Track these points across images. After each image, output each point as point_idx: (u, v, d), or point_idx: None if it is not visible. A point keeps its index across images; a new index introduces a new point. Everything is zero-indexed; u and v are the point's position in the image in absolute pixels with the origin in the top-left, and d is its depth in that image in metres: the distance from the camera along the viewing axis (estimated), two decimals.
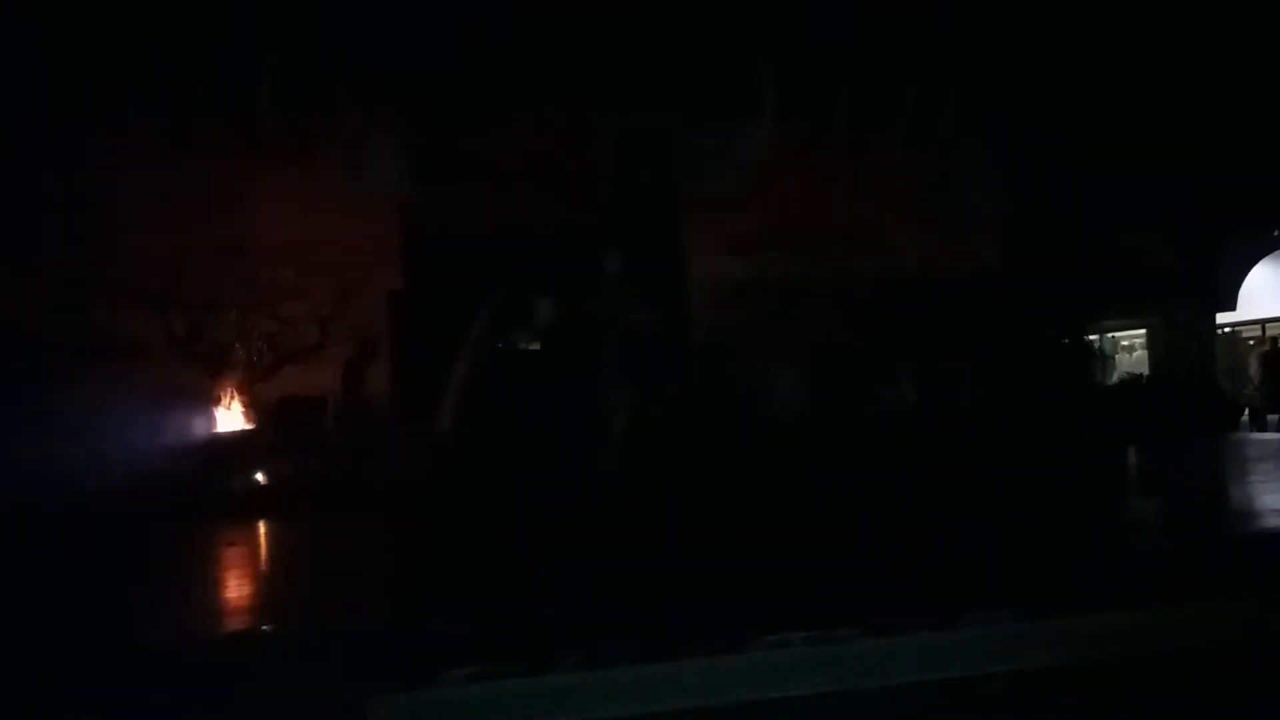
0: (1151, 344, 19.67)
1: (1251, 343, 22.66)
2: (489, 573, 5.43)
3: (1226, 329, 21.46)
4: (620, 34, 10.85)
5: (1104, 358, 17.04)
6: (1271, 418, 16.61)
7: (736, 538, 6.01)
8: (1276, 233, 20.01)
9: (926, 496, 7.52)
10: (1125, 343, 20.84)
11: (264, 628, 4.74)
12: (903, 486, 7.81)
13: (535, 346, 12.43)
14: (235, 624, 4.80)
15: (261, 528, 8.89)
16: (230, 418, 10.98)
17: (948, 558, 5.01)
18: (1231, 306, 20.23)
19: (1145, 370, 18.28)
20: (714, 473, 8.22)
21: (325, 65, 10.92)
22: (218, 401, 10.94)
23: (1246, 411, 16.90)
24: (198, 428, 10.73)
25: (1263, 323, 22.30)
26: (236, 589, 6.06)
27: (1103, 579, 4.51)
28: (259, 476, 10.39)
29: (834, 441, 9.27)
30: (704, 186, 11.96)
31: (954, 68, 12.44)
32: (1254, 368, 18.04)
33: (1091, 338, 16.16)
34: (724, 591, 4.54)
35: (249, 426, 10.97)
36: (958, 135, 12.81)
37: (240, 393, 10.99)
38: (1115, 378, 17.03)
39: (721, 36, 11.14)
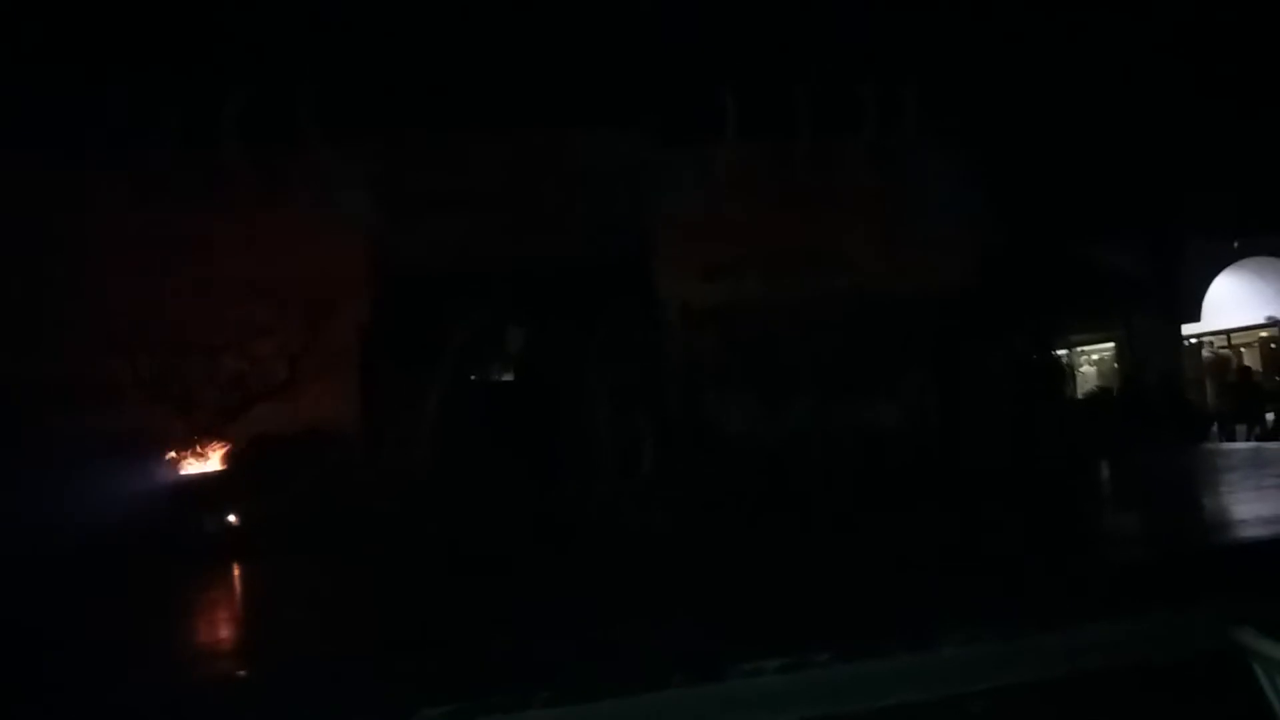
0: (1119, 357, 19.88)
1: (1218, 353, 22.97)
2: (462, 608, 5.40)
3: (1192, 340, 21.74)
4: (585, 58, 10.91)
5: (1072, 371, 17.20)
6: (1239, 427, 16.82)
7: (709, 563, 6.00)
8: (1237, 244, 20.34)
9: (899, 516, 7.53)
10: (1093, 356, 21.06)
11: (235, 670, 4.69)
12: (875, 506, 7.83)
13: (508, 376, 12.42)
14: (206, 665, 4.73)
15: (234, 568, 8.82)
16: (201, 459, 10.84)
17: (922, 577, 5.01)
18: (1196, 317, 20.49)
19: (1113, 383, 18.46)
20: (688, 498, 8.21)
21: (289, 98, 10.87)
22: (188, 443, 10.80)
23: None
24: (168, 470, 10.60)
25: (1228, 333, 22.62)
26: (208, 630, 5.99)
27: (1078, 593, 4.52)
28: (231, 517, 10.27)
29: (805, 463, 9.29)
30: (674, 210, 12.00)
31: (915, 83, 12.56)
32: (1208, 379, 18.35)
33: (1059, 351, 16.32)
34: (698, 619, 4.51)
35: (220, 467, 10.84)
36: (921, 151, 12.91)
37: (211, 433, 10.86)
38: (1083, 391, 17.22)
39: (685, 60, 11.21)
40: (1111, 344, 20.31)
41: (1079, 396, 16.70)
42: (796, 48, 11.61)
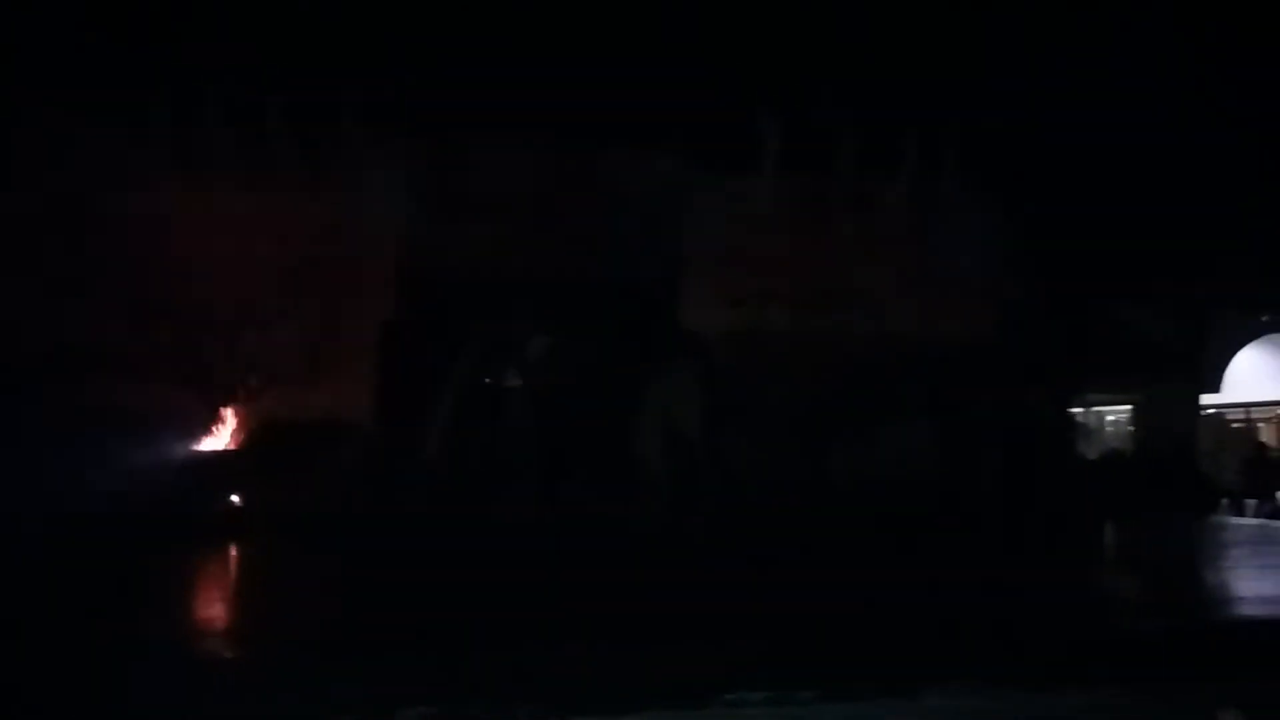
0: (1136, 421, 19.77)
1: (1234, 426, 22.82)
2: (458, 614, 5.39)
3: (1210, 410, 21.61)
4: (629, 82, 11.03)
5: (1088, 431, 17.12)
6: (1250, 502, 16.67)
7: (705, 595, 6.02)
8: (1265, 318, 20.21)
9: (898, 562, 7.54)
10: (1110, 417, 20.94)
11: (219, 653, 4.70)
12: (875, 551, 7.85)
13: (524, 383, 12.50)
14: (191, 648, 4.75)
15: (232, 551, 8.85)
16: (213, 438, 10.94)
17: (913, 626, 5.03)
18: (1216, 388, 20.36)
19: (1128, 446, 18.35)
20: (693, 526, 8.25)
21: (338, 93, 11.03)
22: (201, 421, 10.90)
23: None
24: (179, 446, 10.69)
25: (1246, 406, 22.47)
26: (199, 612, 6.02)
27: (1065, 658, 4.53)
28: (235, 499, 10.37)
29: (809, 501, 9.31)
30: (703, 237, 12.08)
31: (955, 134, 12.62)
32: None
33: (1076, 410, 16.26)
34: (689, 649, 4.53)
35: (231, 447, 10.93)
36: (956, 201, 12.96)
37: (225, 413, 10.96)
38: (1098, 452, 17.12)
39: (727, 91, 11.32)
40: (1130, 407, 20.21)
41: (1093, 457, 16.60)
42: (838, 86, 11.70)
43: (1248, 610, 6.05)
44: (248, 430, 10.89)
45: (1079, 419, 16.48)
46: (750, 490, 9.27)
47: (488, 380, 11.87)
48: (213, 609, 6.23)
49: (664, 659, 4.32)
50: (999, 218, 13.05)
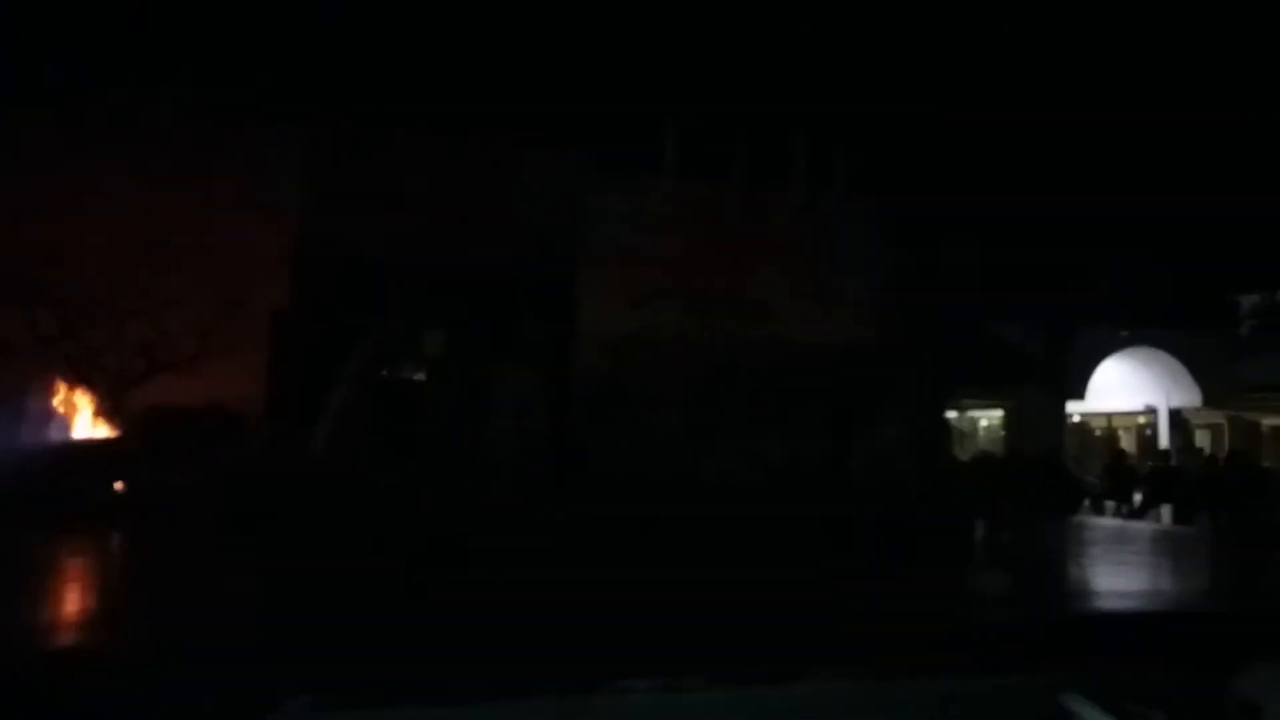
0: (1006, 425, 20.77)
1: (1097, 432, 24.15)
2: (343, 601, 5.37)
3: (1075, 417, 22.82)
4: (535, 79, 11.13)
5: (961, 434, 17.89)
6: (1109, 503, 17.67)
7: (596, 585, 6.13)
8: (1125, 333, 21.45)
9: (779, 556, 7.80)
10: (983, 422, 21.94)
11: (101, 645, 4.59)
12: (758, 545, 8.10)
13: (417, 377, 12.45)
14: (71, 639, 4.65)
15: (114, 540, 8.62)
16: (95, 424, 10.63)
17: (795, 618, 5.24)
18: (1081, 396, 21.52)
19: (999, 449, 19.28)
20: (581, 519, 8.38)
21: (236, 77, 10.83)
22: (83, 406, 10.59)
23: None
24: (58, 432, 10.37)
25: (1108, 415, 23.80)
26: (78, 602, 5.87)
27: (923, 647, 4.81)
28: (117, 486, 10.08)
29: (696, 497, 9.54)
30: (603, 237, 12.24)
31: (848, 146, 13.08)
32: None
33: (950, 414, 16.98)
34: (576, 637, 4.64)
35: (113, 434, 10.64)
36: (846, 212, 13.41)
37: (108, 399, 10.66)
38: (969, 454, 17.91)
39: (634, 94, 11.53)
40: (1001, 412, 21.21)
41: (964, 458, 17.36)
42: (740, 97, 12.04)
43: (1105, 603, 6.46)
44: (133, 417, 10.59)
45: (953, 422, 17.22)
46: (626, 487, 9.43)
47: (382, 372, 11.79)
48: (86, 600, 6.06)
49: (545, 647, 4.41)
50: (885, 229, 13.56)
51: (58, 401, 10.43)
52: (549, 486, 9.30)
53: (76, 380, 10.60)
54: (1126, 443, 22.87)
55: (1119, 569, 8.16)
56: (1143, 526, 14.11)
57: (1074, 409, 21.94)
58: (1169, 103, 13.79)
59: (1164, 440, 22.55)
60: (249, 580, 6.37)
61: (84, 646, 4.42)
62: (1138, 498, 17.41)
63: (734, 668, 4.42)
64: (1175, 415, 23.05)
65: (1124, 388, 22.79)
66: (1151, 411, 23.48)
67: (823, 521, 8.87)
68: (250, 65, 10.64)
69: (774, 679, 4.38)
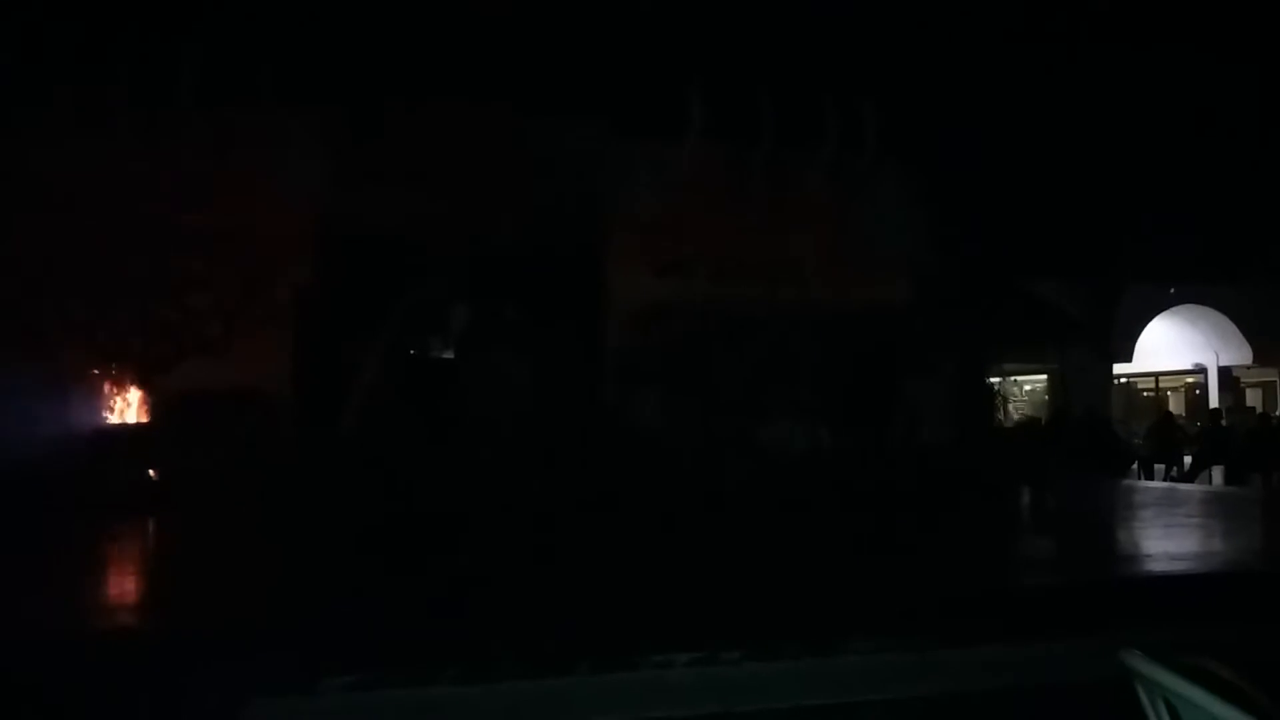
0: (1051, 389, 20.36)
1: (1145, 394, 23.65)
2: (377, 579, 5.36)
3: (1122, 379, 22.34)
4: (552, 43, 10.89)
5: (1005, 398, 17.56)
6: (1158, 466, 17.32)
7: (630, 557, 6.03)
8: (1173, 291, 20.94)
9: (820, 527, 7.64)
10: (1026, 386, 21.54)
11: (140, 626, 4.61)
12: (798, 515, 7.93)
13: (445, 353, 12.35)
14: (110, 621, 4.63)
15: (149, 524, 8.65)
16: (126, 410, 10.61)
17: (835, 587, 5.09)
18: (1128, 358, 21.07)
19: (1043, 413, 18.92)
20: (611, 491, 8.24)
21: (250, 57, 10.68)
22: (114, 392, 10.57)
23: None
24: (91, 419, 10.36)
25: (1156, 375, 23.27)
26: (115, 585, 5.88)
27: (979, 614, 4.62)
28: (151, 471, 10.08)
29: (731, 469, 9.37)
30: (627, 204, 12.01)
31: (879, 105, 12.72)
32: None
33: (994, 378, 16.65)
34: (613, 610, 4.55)
35: (144, 420, 10.62)
36: (879, 172, 13.07)
37: (137, 385, 10.63)
38: (1014, 418, 17.59)
39: (654, 55, 11.24)
40: (1045, 376, 20.80)
41: (1008, 424, 17.05)
42: (765, 56, 11.70)
43: (1155, 566, 6.23)
44: (160, 401, 10.56)
45: (996, 386, 16.89)
46: (665, 459, 9.27)
47: (409, 350, 11.70)
48: (123, 584, 6.05)
49: (584, 620, 4.32)
50: (922, 192, 13.21)
51: (88, 388, 10.40)
52: (581, 461, 9.16)
53: (106, 366, 10.56)
54: (1175, 403, 22.43)
55: (1171, 531, 7.90)
56: (1194, 489, 13.77)
57: (1120, 370, 21.49)
58: (1222, 52, 13.25)
59: (1214, 400, 22.06)
60: (284, 562, 6.35)
61: (123, 628, 4.40)
62: (1187, 460, 17.05)
63: (773, 640, 4.25)
64: (1225, 374, 22.53)
65: (1171, 347, 22.31)
66: (1200, 371, 22.96)
67: (868, 489, 8.70)
68: (269, 42, 10.47)
69: (816, 650, 4.19)
